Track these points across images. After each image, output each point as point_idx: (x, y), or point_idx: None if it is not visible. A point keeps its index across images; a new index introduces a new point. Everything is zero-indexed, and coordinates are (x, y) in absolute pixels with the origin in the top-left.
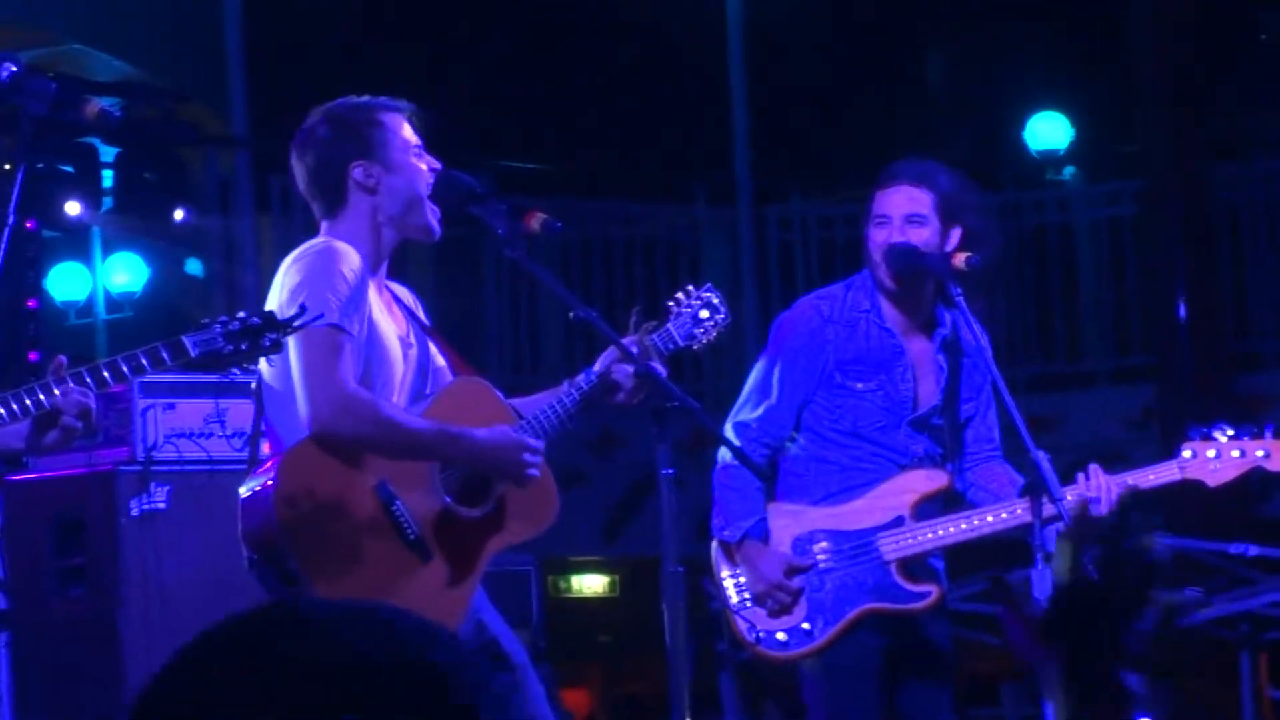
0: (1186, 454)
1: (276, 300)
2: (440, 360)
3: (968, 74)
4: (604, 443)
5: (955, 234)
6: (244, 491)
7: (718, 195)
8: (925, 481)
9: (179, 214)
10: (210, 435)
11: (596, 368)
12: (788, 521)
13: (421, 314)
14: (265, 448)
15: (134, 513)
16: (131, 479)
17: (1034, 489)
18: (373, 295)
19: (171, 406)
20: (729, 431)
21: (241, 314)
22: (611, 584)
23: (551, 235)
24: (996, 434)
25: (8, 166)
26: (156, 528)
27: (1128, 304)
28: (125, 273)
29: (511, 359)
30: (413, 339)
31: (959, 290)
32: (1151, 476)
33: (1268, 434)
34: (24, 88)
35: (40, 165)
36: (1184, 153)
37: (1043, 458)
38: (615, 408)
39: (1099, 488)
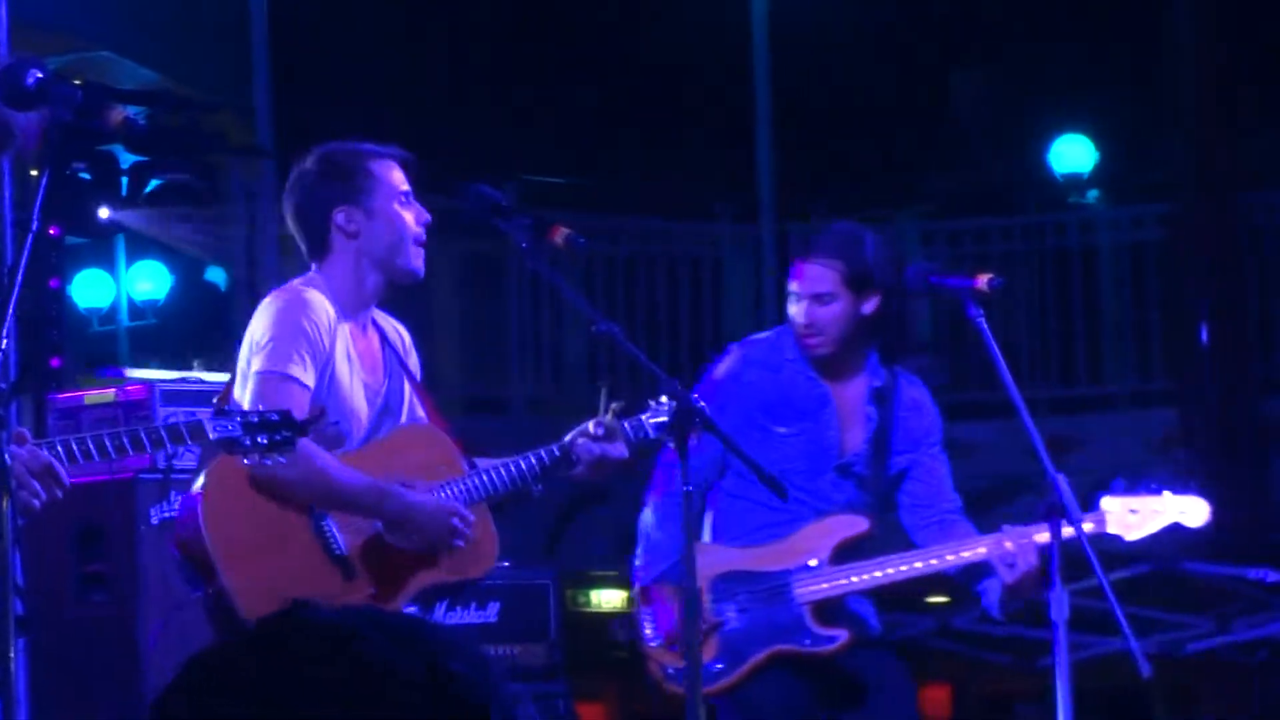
0: (1106, 505)
1: (247, 340)
2: (420, 410)
3: (992, 95)
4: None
5: (872, 302)
6: (177, 498)
7: (741, 213)
8: (846, 526)
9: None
10: None
11: (566, 439)
12: (710, 560)
13: (413, 359)
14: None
15: (154, 520)
16: (152, 487)
17: (1053, 511)
18: (346, 344)
19: (192, 415)
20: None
21: (261, 408)
22: (629, 599)
23: (575, 250)
24: (951, 491)
25: (34, 173)
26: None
27: (1149, 327)
28: (148, 280)
29: (533, 372)
30: (383, 386)
31: (979, 312)
32: (1063, 532)
33: (1186, 492)
34: (50, 94)
35: (67, 172)
36: (1211, 178)
37: (1062, 480)
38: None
39: (1019, 549)
